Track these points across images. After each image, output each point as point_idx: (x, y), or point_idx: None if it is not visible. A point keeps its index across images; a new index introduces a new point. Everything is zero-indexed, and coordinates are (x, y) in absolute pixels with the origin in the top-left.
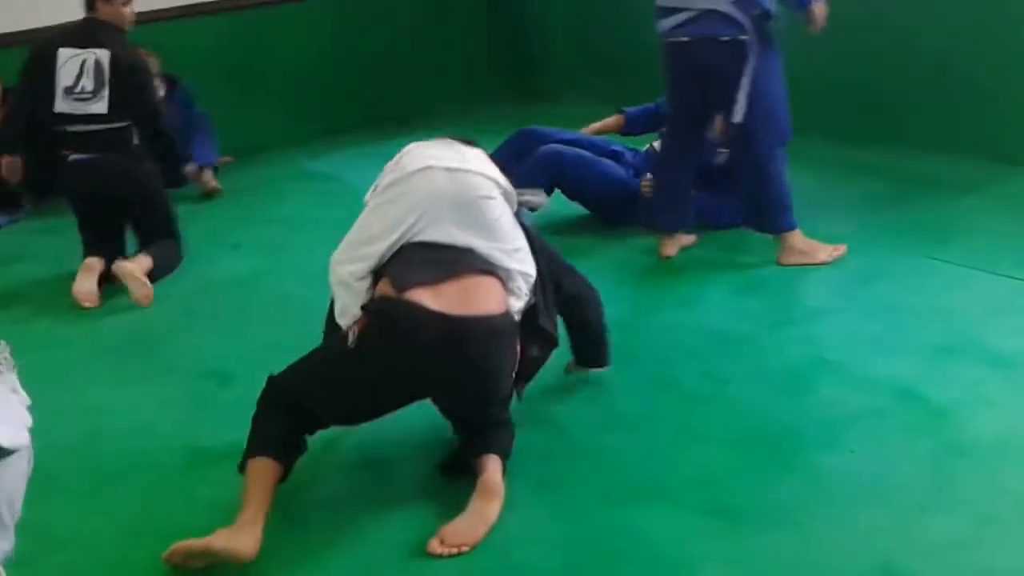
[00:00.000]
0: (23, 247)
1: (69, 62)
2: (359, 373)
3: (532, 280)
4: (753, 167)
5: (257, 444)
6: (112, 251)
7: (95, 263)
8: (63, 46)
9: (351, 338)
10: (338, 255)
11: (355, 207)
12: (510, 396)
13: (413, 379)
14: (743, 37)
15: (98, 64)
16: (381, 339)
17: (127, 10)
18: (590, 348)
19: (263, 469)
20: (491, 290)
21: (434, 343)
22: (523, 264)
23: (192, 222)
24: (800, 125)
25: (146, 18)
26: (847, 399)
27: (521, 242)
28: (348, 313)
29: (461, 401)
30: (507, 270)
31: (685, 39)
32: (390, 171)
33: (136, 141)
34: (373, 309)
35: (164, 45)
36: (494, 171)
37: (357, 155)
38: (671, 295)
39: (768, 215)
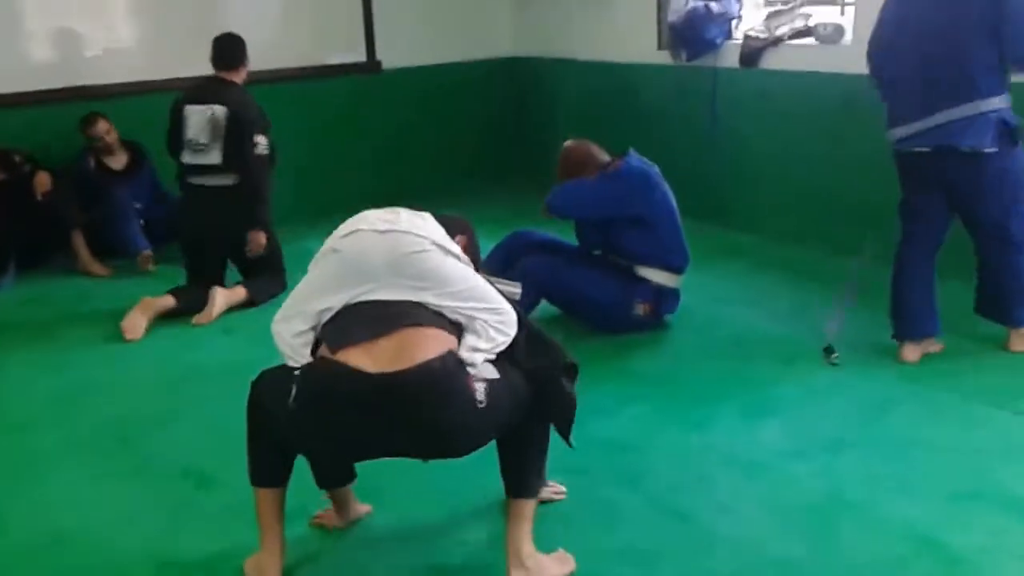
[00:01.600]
0: (3, 316)
1: (192, 116)
2: (309, 430)
3: (505, 316)
4: (1002, 261)
5: (256, 474)
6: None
7: (161, 302)
8: (189, 102)
9: (291, 398)
10: (277, 316)
11: None
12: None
13: (358, 439)
14: (986, 150)
15: (215, 118)
16: (312, 404)
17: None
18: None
19: (268, 499)
20: (430, 340)
21: (362, 404)
22: (485, 302)
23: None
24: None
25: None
26: (868, 544)
27: (477, 280)
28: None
29: (426, 454)
30: (466, 314)
31: (924, 149)
32: (329, 238)
33: (244, 189)
34: (303, 371)
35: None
36: (427, 230)
37: None
38: (679, 413)
39: (1014, 307)
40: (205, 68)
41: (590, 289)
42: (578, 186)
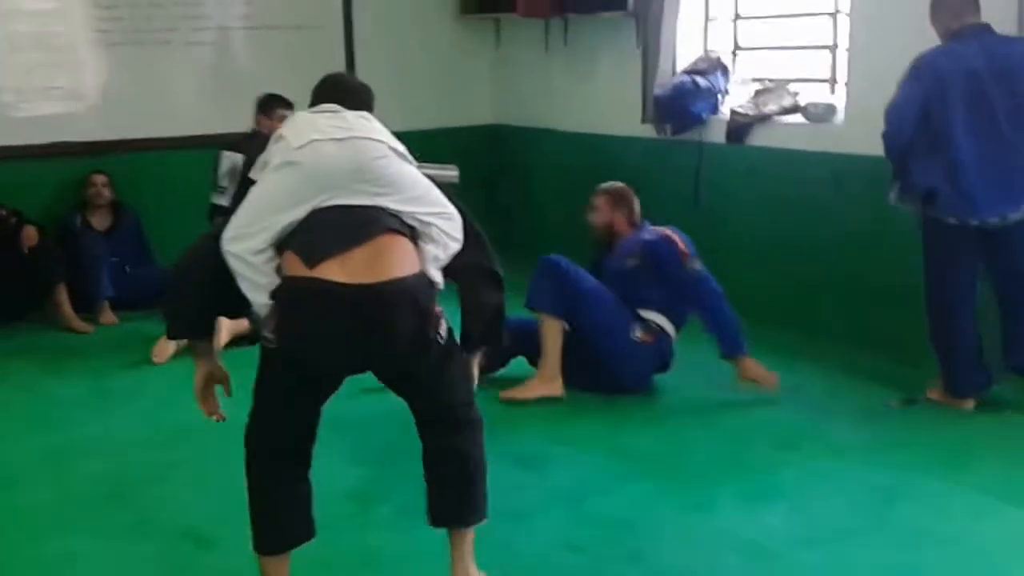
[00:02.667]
0: None
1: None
2: (293, 368)
3: (455, 221)
4: None
5: (261, 540)
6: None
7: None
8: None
9: (271, 337)
10: (228, 233)
11: None
12: (470, 390)
13: (339, 357)
14: None
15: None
16: (298, 328)
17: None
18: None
19: (275, 568)
20: (402, 251)
21: (345, 317)
22: (438, 206)
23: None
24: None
25: None
26: None
27: (428, 184)
28: (260, 305)
29: (394, 373)
30: (422, 221)
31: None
32: (276, 151)
33: None
34: (283, 297)
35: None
36: (382, 134)
37: None
38: (679, 493)
39: None
40: (199, 127)
41: (600, 302)
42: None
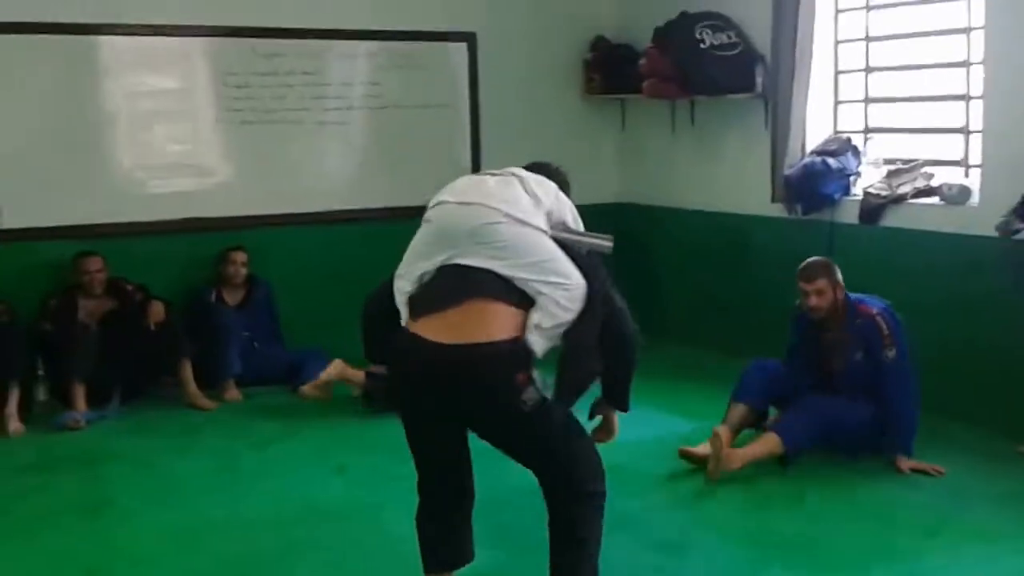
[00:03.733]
0: (110, 446)
1: None
2: (404, 411)
3: (573, 291)
4: None
5: (423, 562)
6: None
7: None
8: None
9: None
10: (396, 271)
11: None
12: (585, 461)
13: (427, 406)
14: None
15: None
16: (394, 375)
17: None
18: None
19: None
20: (494, 316)
21: (425, 372)
22: (556, 276)
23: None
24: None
25: None
26: None
27: (552, 257)
28: None
29: (490, 436)
30: (534, 288)
31: None
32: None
33: None
34: (392, 344)
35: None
36: (504, 201)
37: None
38: (829, 572)
39: None
40: (329, 203)
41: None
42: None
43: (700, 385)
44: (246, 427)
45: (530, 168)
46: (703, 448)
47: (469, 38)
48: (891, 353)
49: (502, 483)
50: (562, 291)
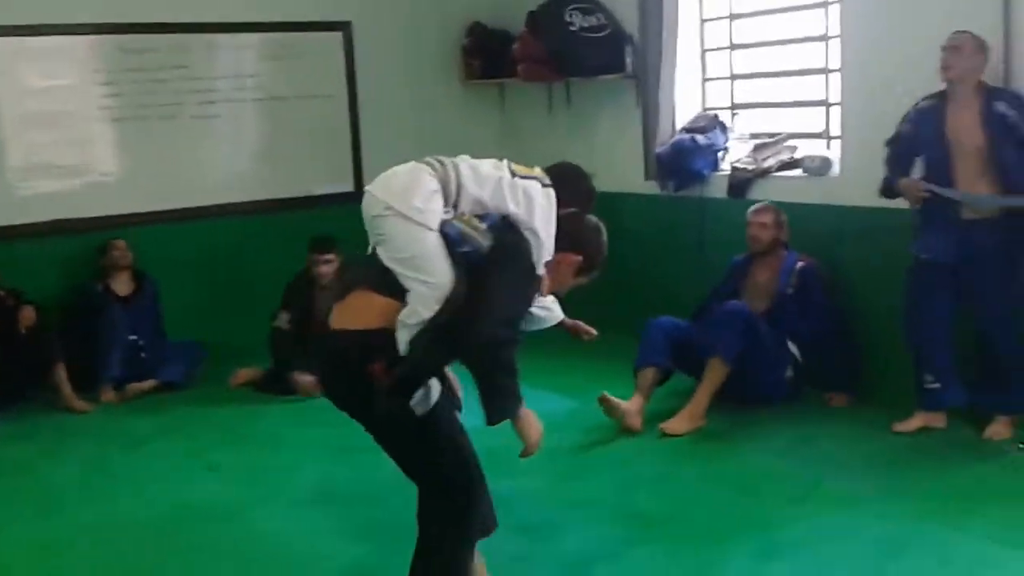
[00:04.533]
0: None
1: None
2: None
3: (437, 289)
4: None
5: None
6: None
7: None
8: None
9: None
10: None
11: (338, 423)
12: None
13: (333, 396)
14: None
15: None
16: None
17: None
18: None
19: None
20: (366, 306)
21: (319, 358)
22: (422, 272)
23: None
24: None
25: None
26: None
27: (423, 249)
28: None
29: (363, 424)
30: (404, 281)
31: None
32: None
33: None
34: None
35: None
36: (391, 193)
37: None
38: (687, 554)
39: None
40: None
41: (768, 355)
42: None
43: (579, 362)
44: (121, 428)
45: (551, 169)
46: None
47: (344, 27)
48: (829, 298)
49: (372, 476)
50: (425, 288)
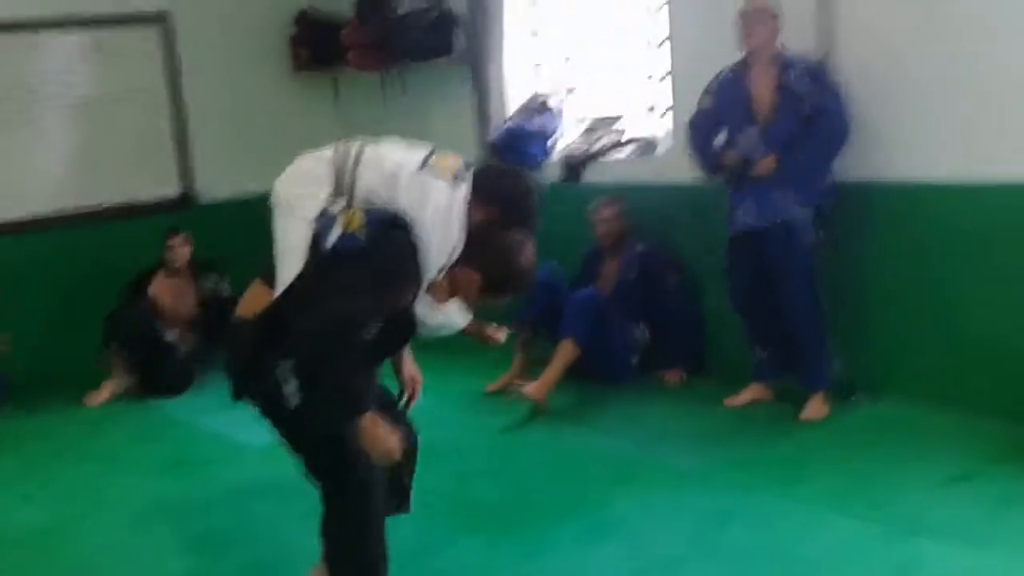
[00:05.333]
0: None
1: None
2: None
3: (280, 285)
4: None
5: None
6: None
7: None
8: None
9: None
10: None
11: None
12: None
13: None
14: None
15: None
16: None
17: None
18: None
19: None
20: (254, 296)
21: None
22: (283, 271)
23: None
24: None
25: None
26: None
27: (287, 245)
28: None
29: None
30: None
31: None
32: None
33: None
34: None
35: None
36: (284, 183)
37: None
38: (515, 540)
39: None
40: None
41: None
42: None
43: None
44: None
45: (484, 169)
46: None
47: (162, 19)
48: (672, 279)
49: (202, 489)
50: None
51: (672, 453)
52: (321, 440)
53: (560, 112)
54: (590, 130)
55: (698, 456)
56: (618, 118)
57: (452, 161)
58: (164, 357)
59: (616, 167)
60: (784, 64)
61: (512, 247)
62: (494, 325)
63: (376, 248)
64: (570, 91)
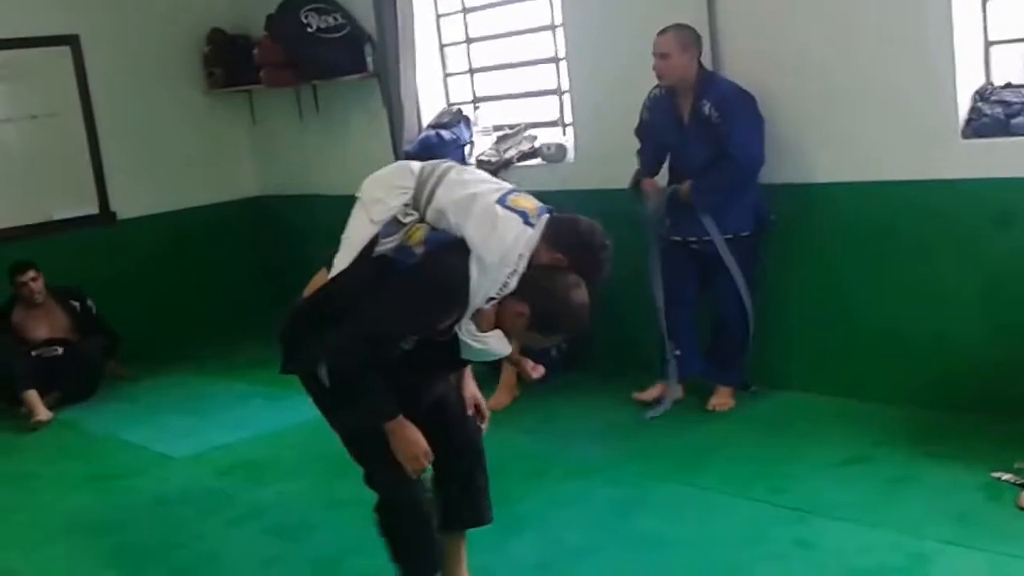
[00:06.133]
0: None
1: None
2: None
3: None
4: None
5: None
6: None
7: None
8: None
9: None
10: None
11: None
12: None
13: None
14: None
15: None
16: None
17: None
18: None
19: None
20: (316, 280)
21: None
22: (339, 259)
23: None
24: None
25: None
26: None
27: (348, 238)
28: None
29: None
30: None
31: None
32: None
33: None
34: None
35: None
36: (371, 184)
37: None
38: None
39: None
40: None
41: None
42: None
43: None
44: None
45: (562, 217)
46: None
47: (72, 41)
48: None
49: (122, 503)
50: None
51: (582, 447)
52: (347, 431)
53: (473, 122)
54: (501, 139)
55: (607, 449)
56: (527, 127)
57: (527, 204)
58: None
59: (528, 174)
60: (701, 92)
61: (567, 286)
62: (532, 361)
63: (427, 267)
64: (482, 102)
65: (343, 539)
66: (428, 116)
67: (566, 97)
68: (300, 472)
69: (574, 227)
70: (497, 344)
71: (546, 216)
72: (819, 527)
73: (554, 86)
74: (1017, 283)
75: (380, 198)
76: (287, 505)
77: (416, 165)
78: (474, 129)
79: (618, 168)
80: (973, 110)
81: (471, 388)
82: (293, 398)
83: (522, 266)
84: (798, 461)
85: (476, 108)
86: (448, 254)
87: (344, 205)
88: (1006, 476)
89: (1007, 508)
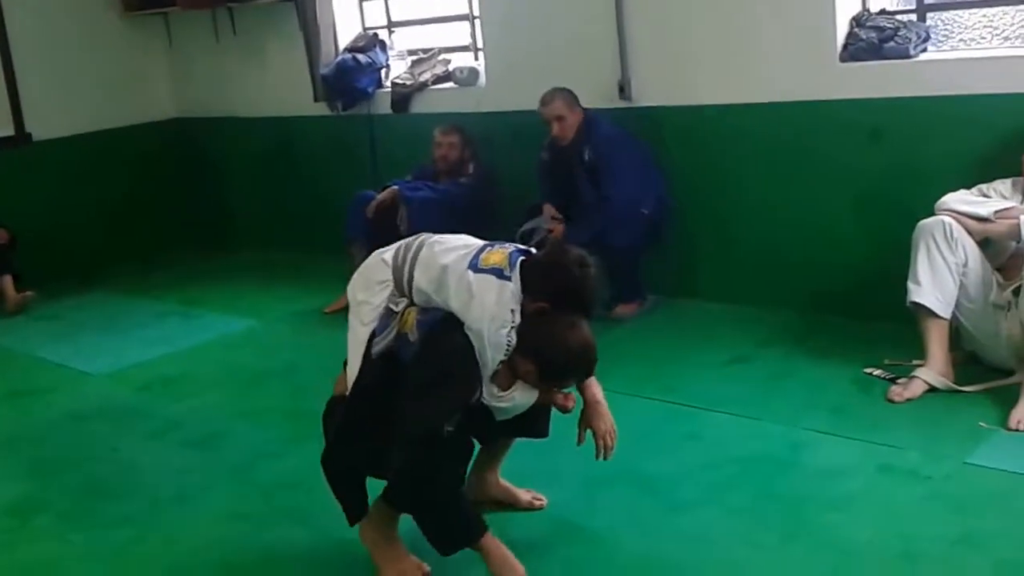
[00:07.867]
0: None
1: None
2: None
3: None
4: None
5: None
6: None
7: None
8: None
9: None
10: None
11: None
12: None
13: None
14: None
15: None
16: None
17: None
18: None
19: None
20: (341, 379)
21: None
22: (349, 365)
23: None
24: None
25: None
26: (513, 530)
27: (349, 339)
28: None
29: None
30: None
31: None
32: None
33: None
34: None
35: None
36: (353, 287)
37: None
38: None
39: None
40: None
41: None
42: None
43: (267, 285)
44: None
45: (535, 257)
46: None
47: None
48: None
49: (39, 417)
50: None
51: None
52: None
53: (388, 46)
54: (416, 63)
55: None
56: (440, 52)
57: (498, 257)
58: None
59: (441, 98)
60: (584, 138)
61: (562, 332)
62: (562, 394)
63: (429, 355)
64: (395, 27)
65: (255, 446)
66: (344, 40)
67: (478, 22)
68: (214, 386)
69: (547, 269)
70: (522, 397)
71: (519, 263)
72: (706, 420)
73: (466, 11)
74: (886, 197)
75: (364, 299)
76: (202, 417)
77: (389, 254)
78: (389, 53)
79: (528, 91)
80: (850, 35)
81: (597, 422)
82: (208, 316)
83: (518, 319)
84: (689, 362)
85: (391, 32)
86: (443, 334)
87: (261, 127)
88: (877, 372)
89: (877, 401)
